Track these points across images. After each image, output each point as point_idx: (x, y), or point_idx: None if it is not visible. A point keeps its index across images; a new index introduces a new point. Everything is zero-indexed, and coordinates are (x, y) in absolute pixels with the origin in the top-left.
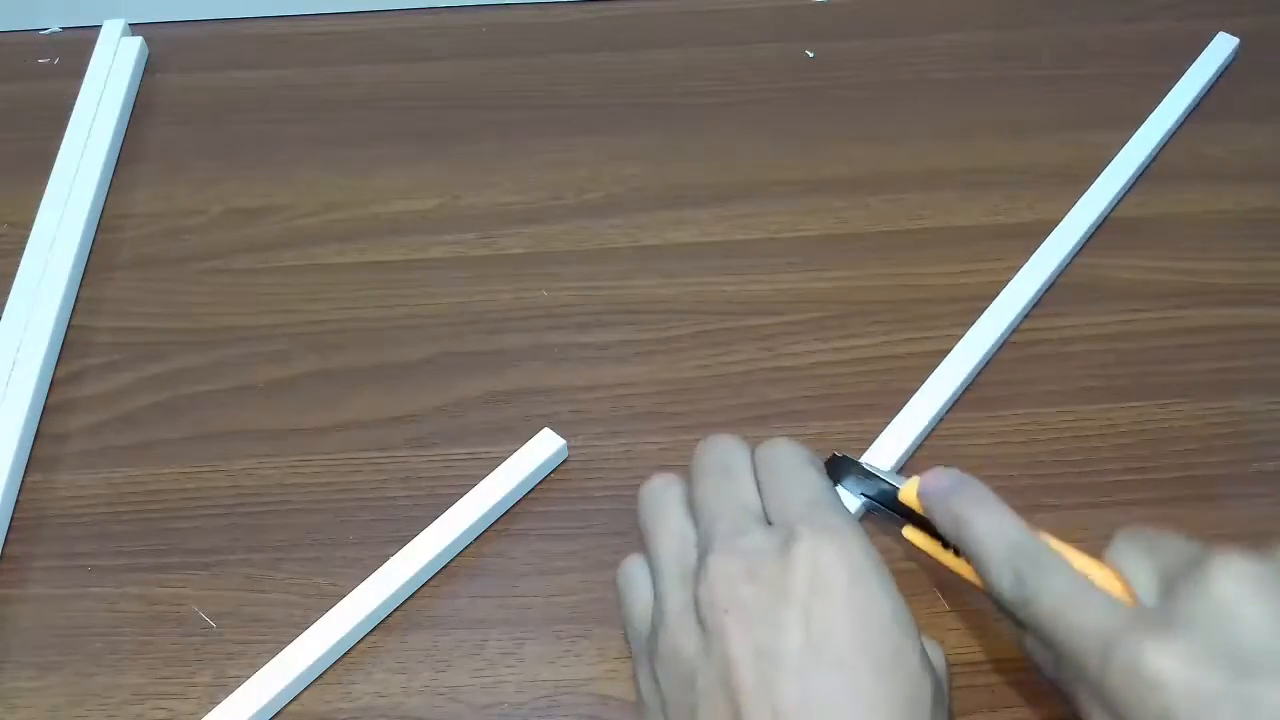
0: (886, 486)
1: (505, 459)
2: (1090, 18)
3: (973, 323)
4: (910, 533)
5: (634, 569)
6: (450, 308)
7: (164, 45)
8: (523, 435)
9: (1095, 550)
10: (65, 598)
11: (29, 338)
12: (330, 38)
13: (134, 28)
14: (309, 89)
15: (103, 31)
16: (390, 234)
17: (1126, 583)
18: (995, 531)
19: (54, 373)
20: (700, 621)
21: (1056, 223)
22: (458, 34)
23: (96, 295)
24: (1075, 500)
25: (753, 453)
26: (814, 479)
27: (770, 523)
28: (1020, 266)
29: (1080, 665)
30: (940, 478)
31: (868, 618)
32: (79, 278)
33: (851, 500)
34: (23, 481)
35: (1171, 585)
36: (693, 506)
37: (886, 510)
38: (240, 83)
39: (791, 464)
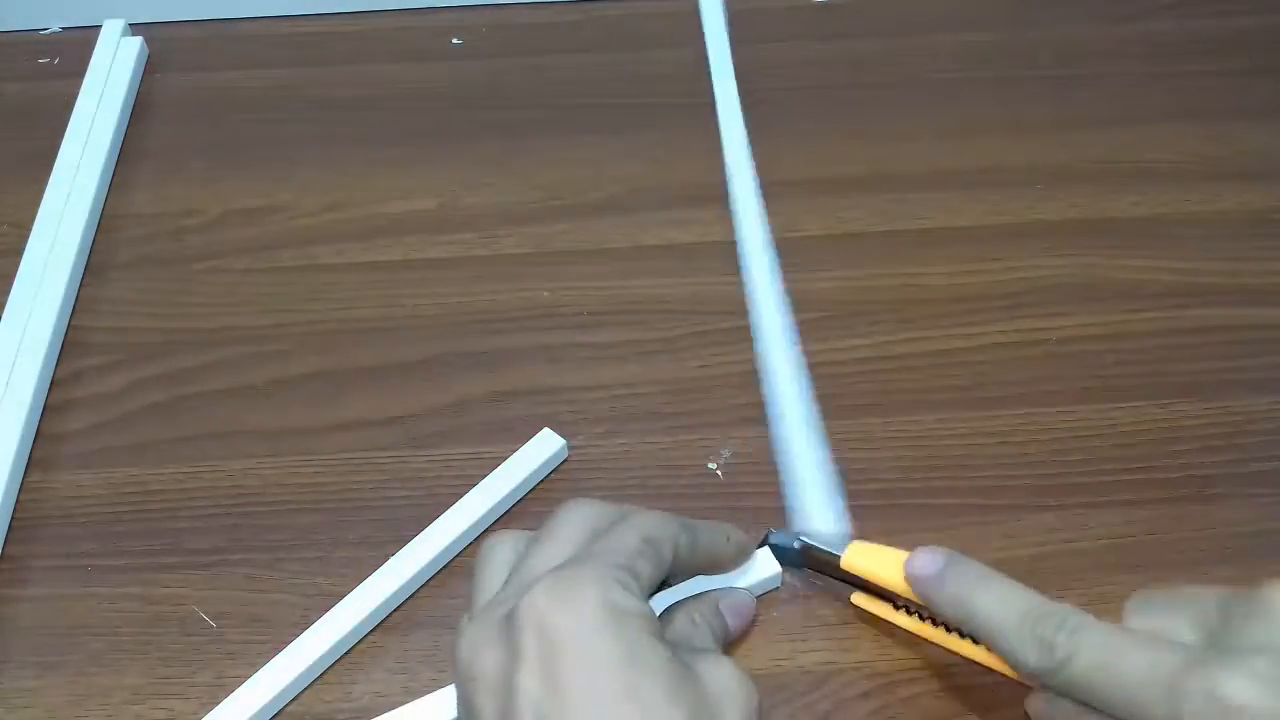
0: (827, 557)
1: (505, 459)
2: (1090, 18)
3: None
4: (859, 599)
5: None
6: (450, 308)
7: (164, 45)
8: (523, 435)
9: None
10: (65, 598)
11: (29, 338)
12: (330, 38)
13: (134, 28)
14: (309, 89)
15: (103, 31)
16: (390, 234)
17: (1160, 635)
18: (1003, 605)
19: (54, 373)
20: (461, 696)
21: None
22: (458, 34)
23: (96, 295)
24: (1075, 500)
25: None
26: (575, 534)
27: None
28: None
29: (1141, 714)
30: (928, 561)
31: (592, 664)
32: (79, 278)
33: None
34: (23, 481)
35: (1221, 622)
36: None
37: (836, 580)
38: (240, 83)
39: (632, 521)
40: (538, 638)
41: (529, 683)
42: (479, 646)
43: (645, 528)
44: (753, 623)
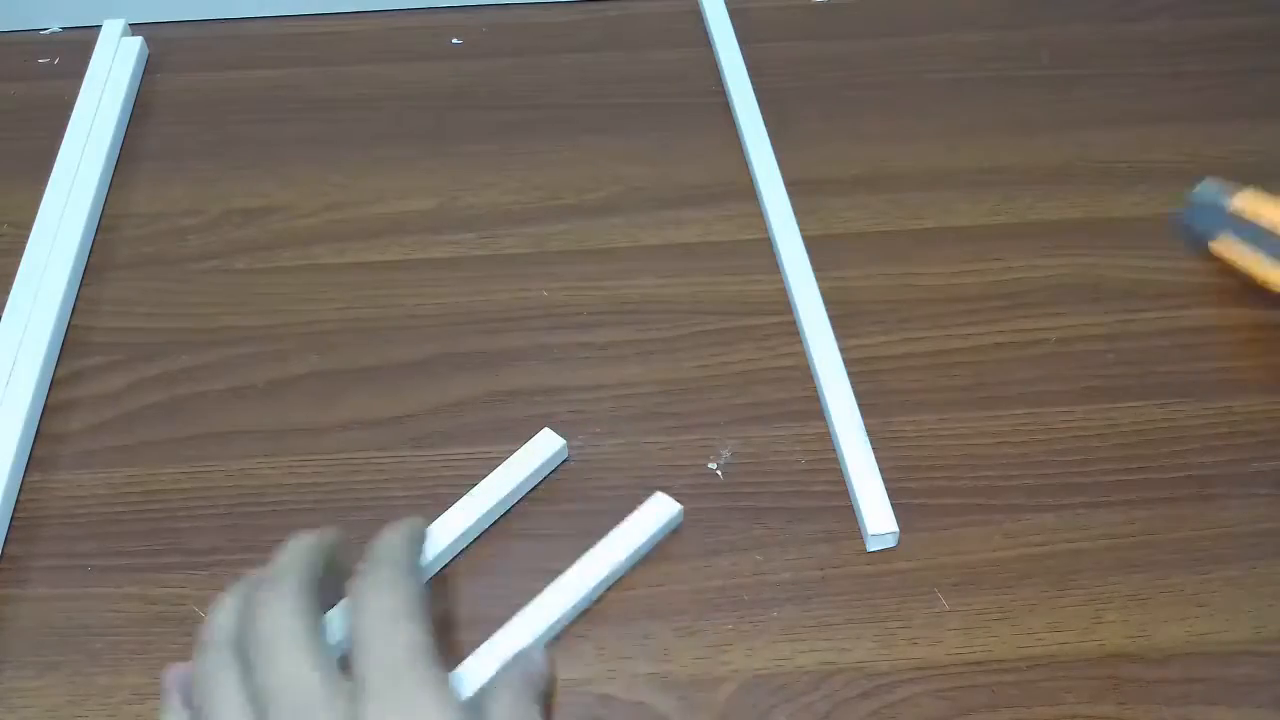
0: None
1: (505, 459)
2: (1090, 18)
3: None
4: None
5: None
6: (450, 308)
7: (164, 45)
8: (523, 435)
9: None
10: (65, 598)
11: (29, 338)
12: (330, 38)
13: (134, 28)
14: (309, 89)
15: (103, 31)
16: (390, 234)
17: None
18: None
19: (54, 373)
20: None
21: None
22: (458, 34)
23: (96, 295)
24: (1075, 500)
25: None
26: (402, 633)
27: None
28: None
29: None
30: None
31: None
32: (79, 278)
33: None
34: (23, 481)
35: None
36: (252, 686)
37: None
38: (240, 83)
39: (381, 611)
40: None
41: None
42: None
43: (406, 609)
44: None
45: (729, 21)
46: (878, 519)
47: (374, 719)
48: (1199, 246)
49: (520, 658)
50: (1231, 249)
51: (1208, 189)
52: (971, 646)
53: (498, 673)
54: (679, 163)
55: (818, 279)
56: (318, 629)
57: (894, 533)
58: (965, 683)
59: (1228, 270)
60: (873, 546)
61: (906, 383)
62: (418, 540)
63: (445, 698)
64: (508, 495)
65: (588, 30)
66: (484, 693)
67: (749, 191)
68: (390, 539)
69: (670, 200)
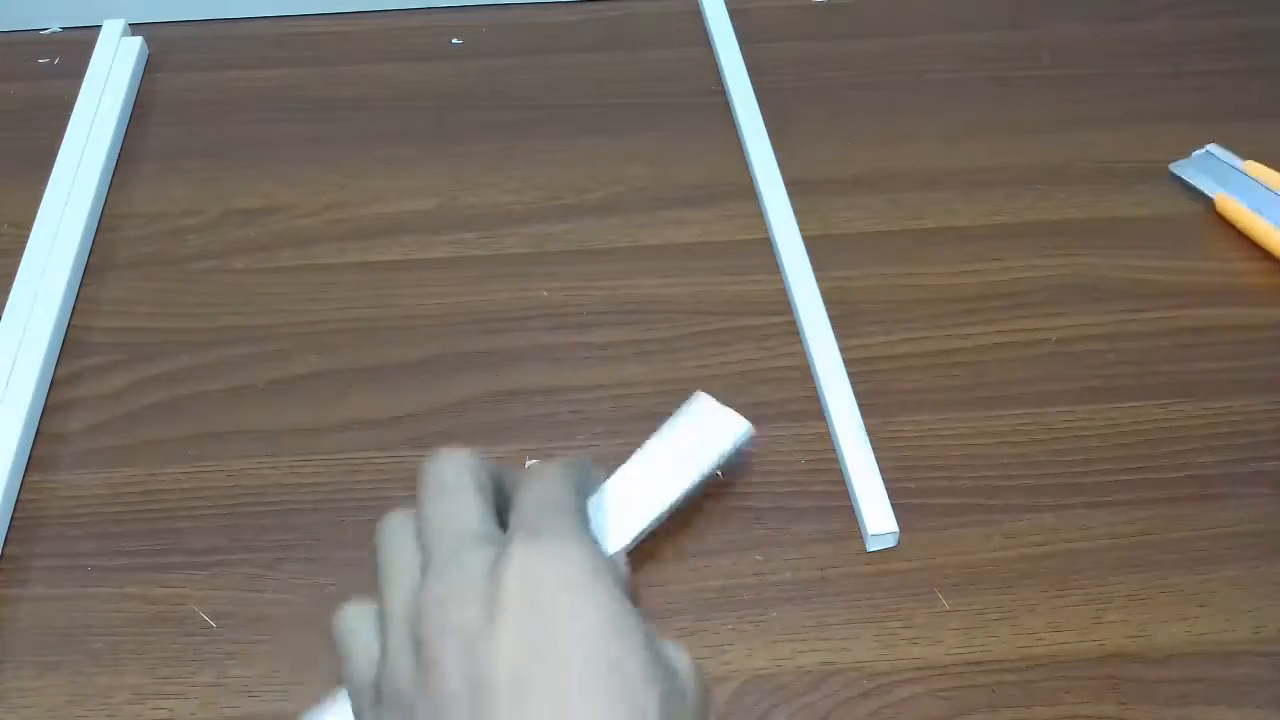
0: None
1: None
2: (1090, 18)
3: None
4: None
5: (354, 615)
6: (450, 308)
7: (164, 45)
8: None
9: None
10: (65, 598)
11: (29, 338)
12: (330, 38)
13: (134, 28)
14: (309, 89)
15: (103, 31)
16: (390, 234)
17: None
18: None
19: (54, 373)
20: (417, 658)
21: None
22: (458, 34)
23: (96, 295)
24: (1075, 500)
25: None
26: (550, 486)
27: None
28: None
29: None
30: None
31: (579, 632)
32: (79, 278)
33: None
34: (23, 481)
35: None
36: (419, 535)
37: None
38: (240, 83)
39: (536, 473)
40: (521, 596)
41: (507, 645)
42: (448, 602)
43: (570, 477)
44: None
45: (729, 21)
46: (878, 519)
47: (516, 548)
48: (1198, 198)
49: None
50: (1233, 207)
51: (1216, 150)
52: (971, 646)
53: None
54: (679, 163)
55: (818, 279)
56: (484, 489)
57: (894, 533)
58: (965, 683)
59: (1227, 269)
60: (873, 546)
61: (906, 383)
62: (585, 468)
63: (582, 530)
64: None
65: (588, 30)
66: None
67: (749, 191)
68: (555, 465)
69: (670, 200)
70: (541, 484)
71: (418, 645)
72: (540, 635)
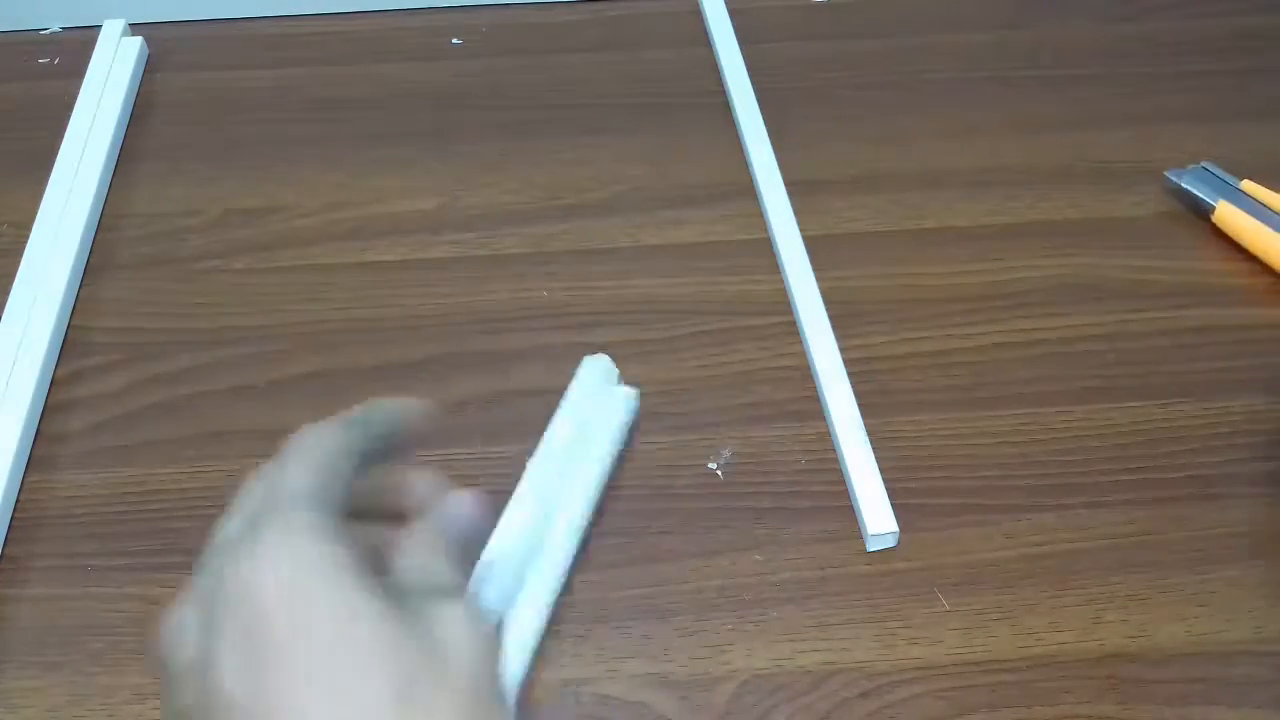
0: None
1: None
2: (1090, 18)
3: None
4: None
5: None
6: (450, 308)
7: (164, 45)
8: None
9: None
10: (65, 597)
11: (29, 338)
12: (330, 38)
13: (134, 28)
14: (309, 89)
15: (103, 31)
16: (390, 234)
17: None
18: None
19: (54, 373)
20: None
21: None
22: (458, 34)
23: (96, 295)
24: (1075, 500)
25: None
26: (285, 463)
27: None
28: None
29: None
30: None
31: (300, 629)
32: (79, 278)
33: None
34: (23, 481)
35: None
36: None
37: None
38: (240, 83)
39: (293, 443)
40: (236, 608)
41: (227, 660)
42: (178, 633)
43: (313, 452)
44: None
45: (729, 21)
46: (878, 519)
47: (235, 563)
48: (1195, 209)
49: (443, 505)
50: (1233, 218)
51: (1212, 166)
52: (971, 646)
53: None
54: (679, 163)
55: (818, 279)
56: (323, 466)
57: (894, 533)
58: (965, 683)
59: (1226, 269)
60: (873, 546)
61: (906, 383)
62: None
63: (303, 529)
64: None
65: (588, 30)
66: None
67: (749, 191)
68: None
69: (670, 200)
70: (278, 464)
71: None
72: (257, 639)
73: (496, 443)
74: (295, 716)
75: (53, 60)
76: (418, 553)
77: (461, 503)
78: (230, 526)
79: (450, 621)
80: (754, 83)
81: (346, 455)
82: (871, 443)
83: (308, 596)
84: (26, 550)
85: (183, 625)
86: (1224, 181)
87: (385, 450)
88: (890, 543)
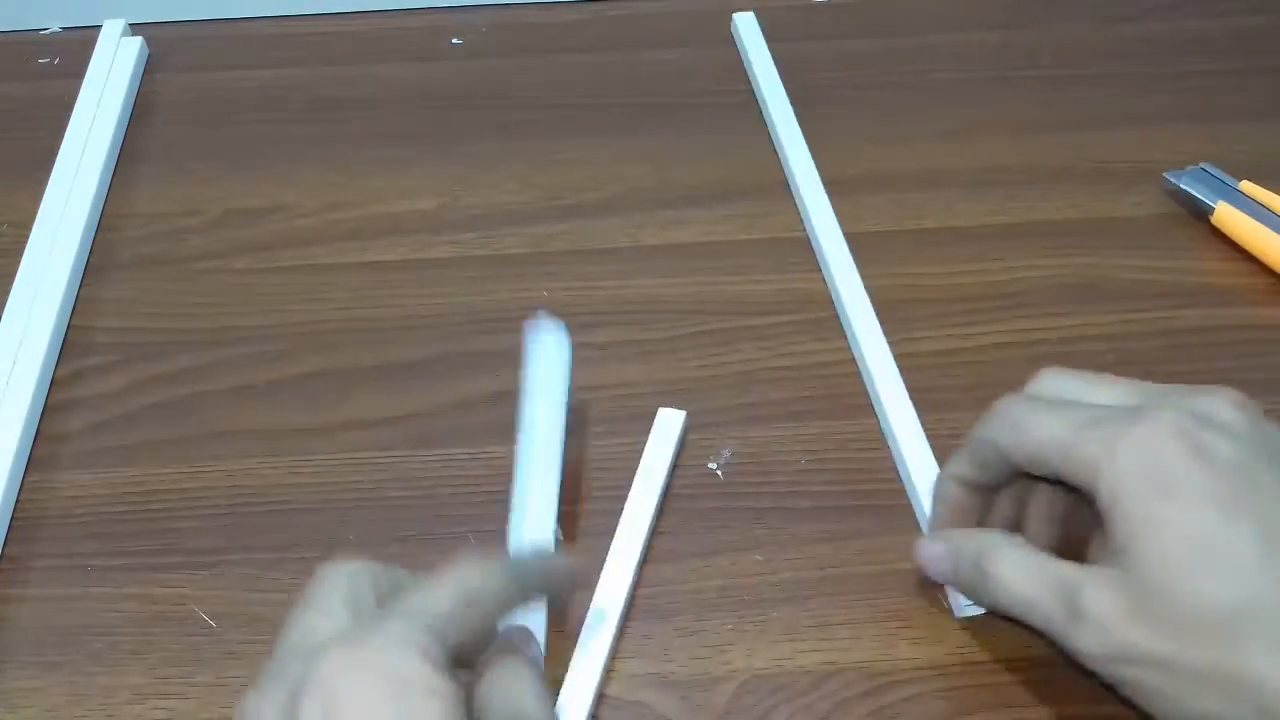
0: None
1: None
2: (1090, 18)
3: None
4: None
5: None
6: (450, 308)
7: (164, 45)
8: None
9: None
10: (65, 598)
11: (29, 338)
12: (330, 38)
13: (134, 28)
14: (309, 89)
15: (103, 31)
16: (390, 234)
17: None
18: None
19: (54, 373)
20: None
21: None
22: (458, 34)
23: (96, 295)
24: None
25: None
26: (422, 591)
27: None
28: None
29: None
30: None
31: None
32: (79, 278)
33: None
34: (23, 481)
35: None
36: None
37: None
38: (240, 83)
39: (463, 573)
40: (322, 715)
41: None
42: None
43: (466, 584)
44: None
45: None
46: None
47: (322, 668)
48: (1194, 210)
49: (514, 635)
50: (1232, 218)
51: (1210, 168)
52: (971, 646)
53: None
54: (679, 163)
55: (819, 279)
56: (358, 600)
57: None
58: (965, 683)
59: (1225, 270)
60: (962, 614)
61: (906, 383)
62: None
63: (403, 650)
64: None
65: (588, 30)
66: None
67: (749, 191)
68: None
69: (670, 200)
70: (428, 578)
71: None
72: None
73: (496, 443)
74: None
75: (53, 60)
76: (505, 683)
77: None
78: (331, 615)
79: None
80: (753, 83)
81: (495, 601)
82: (872, 442)
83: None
84: (26, 550)
85: (260, 709)
86: (1223, 182)
87: (523, 602)
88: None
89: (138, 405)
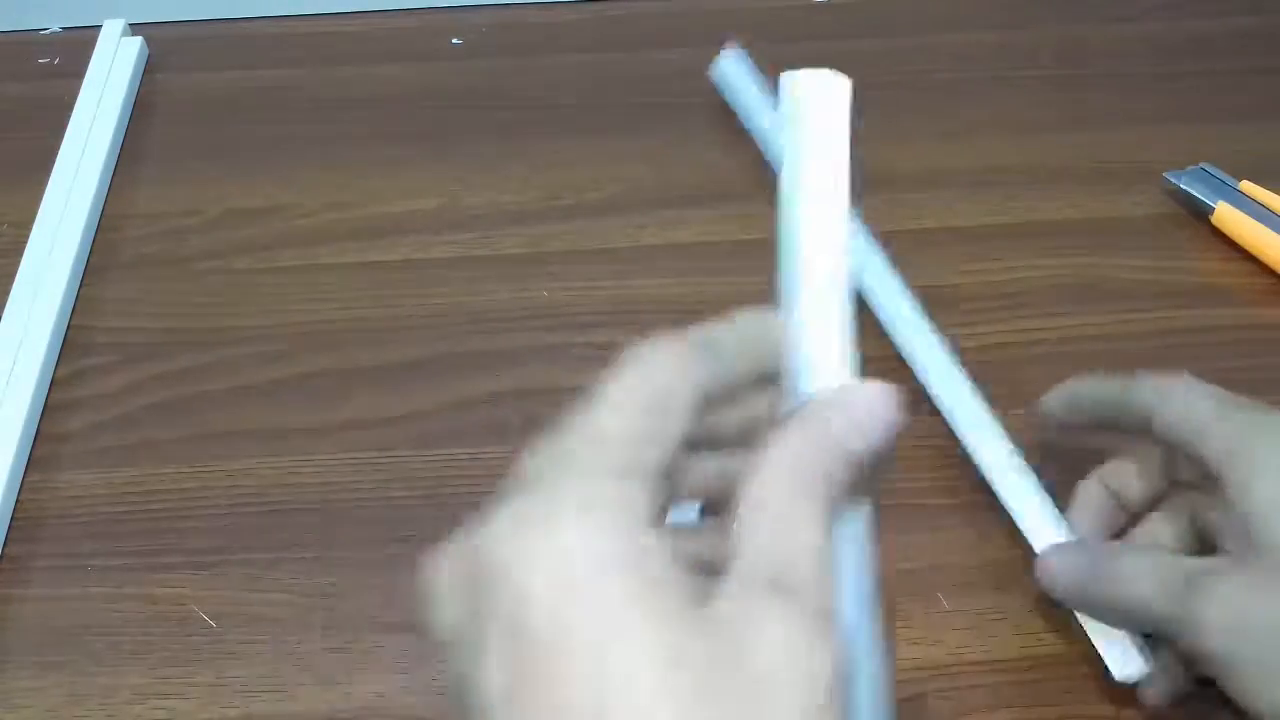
0: None
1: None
2: (1090, 18)
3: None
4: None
5: None
6: (450, 308)
7: (164, 45)
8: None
9: None
10: (65, 597)
11: (29, 338)
12: (330, 38)
13: (134, 28)
14: (309, 89)
15: (103, 31)
16: (390, 234)
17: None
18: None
19: (54, 373)
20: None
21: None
22: (458, 34)
23: (96, 295)
24: None
25: None
26: (625, 404)
27: None
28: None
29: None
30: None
31: (577, 655)
32: (79, 278)
33: None
34: (23, 481)
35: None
36: None
37: None
38: (240, 83)
39: (632, 371)
40: (501, 608)
41: (490, 679)
42: (439, 602)
43: (641, 384)
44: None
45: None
46: (1122, 659)
47: (500, 538)
48: (1195, 210)
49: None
50: (1232, 219)
51: (1210, 168)
52: (971, 646)
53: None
54: (679, 163)
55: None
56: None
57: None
58: (965, 683)
59: (1225, 270)
60: (1123, 679)
61: (906, 383)
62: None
63: (626, 520)
64: None
65: (588, 30)
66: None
67: (749, 191)
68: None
69: (670, 200)
70: (595, 394)
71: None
72: (526, 662)
73: (496, 443)
74: None
75: (53, 60)
76: (760, 513)
77: (862, 401)
78: (523, 476)
79: (777, 647)
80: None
81: (687, 394)
82: None
83: (586, 613)
84: (26, 550)
85: (444, 595)
86: (1223, 182)
87: (740, 386)
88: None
89: (138, 405)
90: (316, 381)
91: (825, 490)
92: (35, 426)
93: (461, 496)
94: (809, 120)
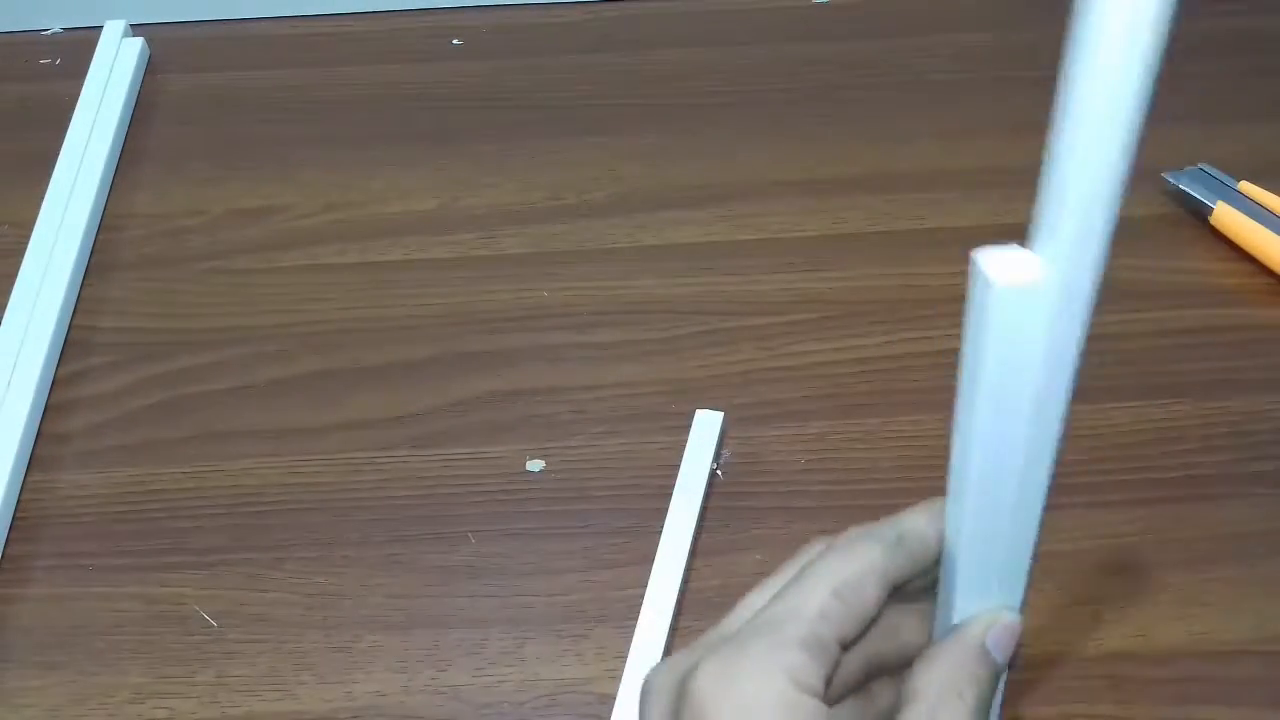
0: None
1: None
2: None
3: None
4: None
5: None
6: (450, 308)
7: (165, 46)
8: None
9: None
10: (66, 597)
11: (30, 338)
12: (330, 38)
13: (135, 28)
14: (309, 89)
15: (104, 32)
16: (390, 234)
17: None
18: None
19: (54, 373)
20: None
21: None
22: (458, 34)
23: (97, 295)
24: (1075, 500)
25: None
26: (825, 583)
27: None
28: None
29: None
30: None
31: None
32: (80, 278)
33: None
34: (23, 481)
35: None
36: None
37: None
38: (240, 83)
39: (837, 557)
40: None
41: None
42: (650, 707)
43: (835, 574)
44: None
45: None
46: None
47: (698, 674)
48: (1194, 211)
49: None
50: (1231, 219)
51: (1209, 168)
52: None
53: (931, 654)
54: (679, 163)
55: (818, 279)
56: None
57: None
58: None
59: (1224, 270)
60: None
61: (906, 383)
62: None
63: (800, 675)
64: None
65: (588, 30)
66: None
67: (749, 191)
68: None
69: (670, 200)
70: (806, 571)
71: None
72: None
73: (496, 443)
74: None
75: (54, 61)
76: (927, 704)
77: (1001, 634)
78: (734, 616)
79: None
80: (753, 83)
81: (875, 583)
82: (871, 442)
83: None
84: (27, 550)
85: (653, 713)
86: (1222, 182)
87: (912, 579)
88: None
89: (138, 405)
90: (316, 381)
91: (974, 691)
92: (36, 426)
93: (461, 496)
94: (996, 315)
